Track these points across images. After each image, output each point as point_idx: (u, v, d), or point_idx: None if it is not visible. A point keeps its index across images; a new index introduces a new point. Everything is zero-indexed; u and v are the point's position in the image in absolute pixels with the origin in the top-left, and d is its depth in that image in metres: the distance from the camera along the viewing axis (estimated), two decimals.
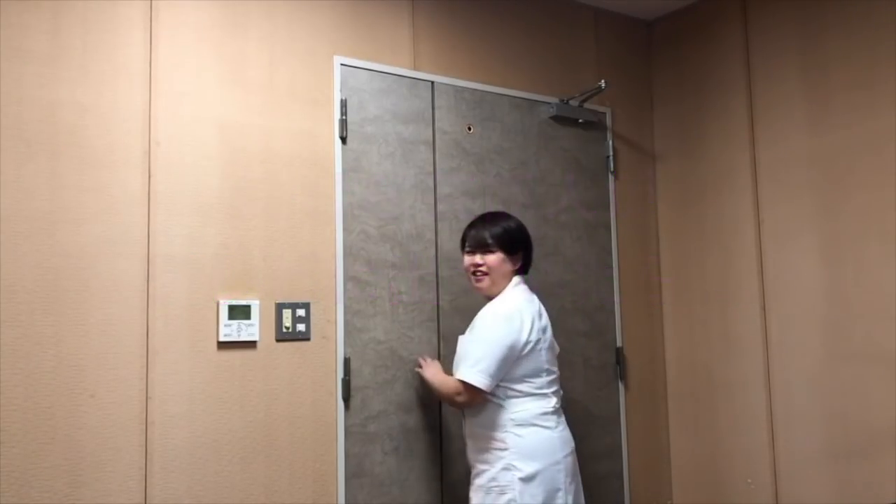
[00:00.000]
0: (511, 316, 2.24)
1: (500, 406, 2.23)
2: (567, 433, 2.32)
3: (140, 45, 2.19)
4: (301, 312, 2.36)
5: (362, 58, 2.57)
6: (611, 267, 3.10)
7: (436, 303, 2.63)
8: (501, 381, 2.22)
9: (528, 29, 2.99)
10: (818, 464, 2.66)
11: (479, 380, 2.18)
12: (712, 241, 3.06)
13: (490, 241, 2.34)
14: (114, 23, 2.16)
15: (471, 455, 2.31)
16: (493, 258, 2.34)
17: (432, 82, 2.72)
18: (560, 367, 2.89)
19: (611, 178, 3.14)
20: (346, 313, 2.45)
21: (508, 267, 2.35)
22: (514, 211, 2.83)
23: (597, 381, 3.01)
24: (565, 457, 2.26)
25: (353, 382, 2.44)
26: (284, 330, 2.33)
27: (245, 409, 2.25)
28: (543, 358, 2.28)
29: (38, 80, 2.03)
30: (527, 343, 2.22)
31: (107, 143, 2.11)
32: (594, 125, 3.12)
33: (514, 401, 2.23)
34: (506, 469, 2.19)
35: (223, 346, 2.23)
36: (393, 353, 2.52)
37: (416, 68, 2.69)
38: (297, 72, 2.44)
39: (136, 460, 2.08)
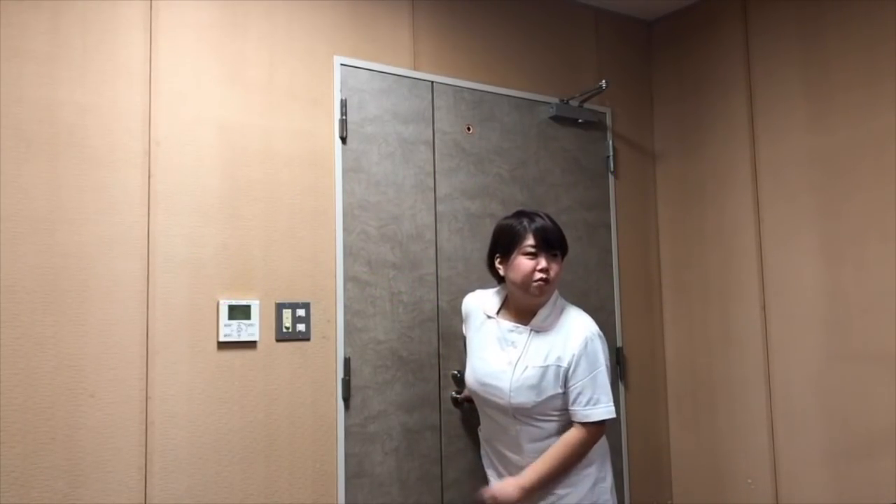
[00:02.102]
0: (600, 333, 2.13)
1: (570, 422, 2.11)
2: None
3: (140, 46, 2.19)
4: (301, 312, 2.36)
5: (362, 58, 2.57)
6: (611, 267, 3.10)
7: (436, 303, 2.63)
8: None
9: (528, 29, 2.99)
10: (818, 464, 2.66)
11: (614, 410, 2.09)
12: (712, 240, 3.06)
13: (557, 243, 2.13)
14: (114, 23, 2.16)
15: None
16: (559, 265, 2.14)
17: (432, 82, 2.72)
18: None
19: (611, 178, 3.14)
20: (346, 313, 2.45)
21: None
22: (514, 211, 2.84)
23: None
24: None
25: (353, 382, 2.43)
26: (284, 330, 2.33)
27: (245, 409, 2.25)
28: None
29: (37, 80, 2.03)
30: None
31: (107, 143, 2.11)
32: (594, 125, 3.12)
33: None
34: (595, 483, 2.09)
35: (223, 346, 2.23)
36: (393, 353, 2.52)
37: (416, 68, 2.69)
38: (296, 72, 2.44)
39: (136, 460, 2.08)
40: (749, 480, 2.88)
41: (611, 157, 3.14)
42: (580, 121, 3.06)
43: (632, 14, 3.29)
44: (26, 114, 2.01)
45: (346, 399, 2.41)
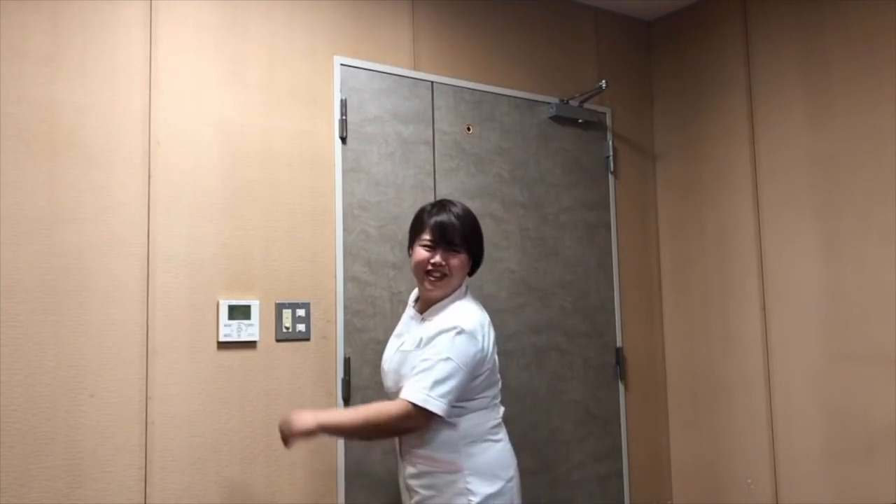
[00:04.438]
0: (475, 333, 1.92)
1: (450, 424, 1.92)
2: (510, 443, 2.06)
3: (140, 45, 2.19)
4: (301, 312, 2.36)
5: (362, 58, 2.57)
6: (611, 267, 3.10)
7: None
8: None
9: (528, 29, 2.99)
10: (818, 464, 2.66)
11: (441, 407, 1.83)
12: (712, 240, 3.06)
13: (458, 239, 2.01)
14: (113, 23, 2.16)
15: (408, 480, 2.01)
16: (458, 261, 2.01)
17: (432, 82, 2.72)
18: (560, 368, 2.92)
19: (611, 178, 3.14)
20: (346, 313, 2.45)
21: (466, 271, 2.05)
22: (513, 211, 2.84)
23: (597, 381, 3.01)
24: (516, 470, 2.01)
25: (353, 382, 2.43)
26: (284, 330, 2.33)
27: (245, 409, 2.25)
28: (495, 368, 2.01)
29: (37, 80, 2.03)
30: (487, 360, 1.95)
31: (107, 143, 2.11)
32: (594, 125, 3.12)
33: (465, 418, 1.93)
34: (459, 494, 1.90)
35: (223, 346, 2.23)
36: None
37: (416, 68, 2.69)
38: (296, 72, 2.44)
39: (136, 460, 2.08)
40: (749, 480, 2.88)
41: (611, 157, 3.14)
42: (580, 121, 3.06)
43: (632, 14, 3.29)
44: (26, 114, 2.01)
45: (346, 399, 2.41)
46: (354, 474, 2.41)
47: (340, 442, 2.39)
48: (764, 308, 2.86)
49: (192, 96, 2.25)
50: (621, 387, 3.07)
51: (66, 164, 2.05)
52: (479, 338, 1.93)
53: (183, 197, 2.21)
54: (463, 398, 1.92)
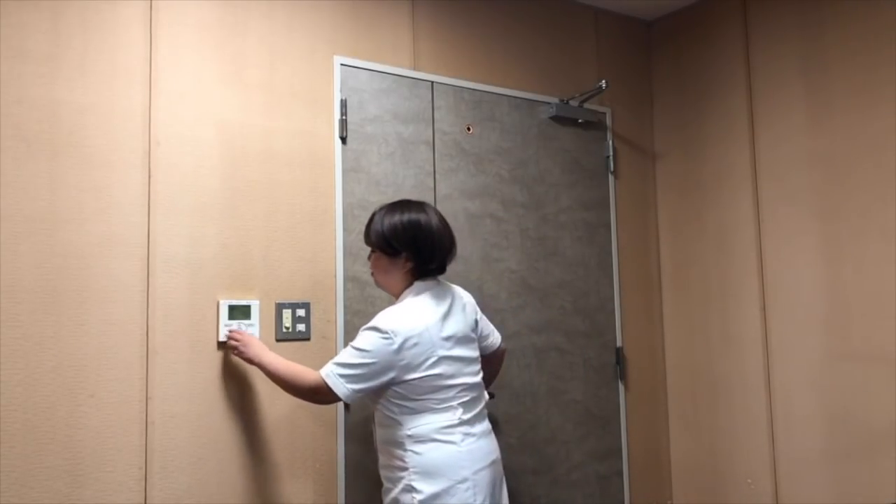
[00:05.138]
0: (389, 333, 1.96)
1: (396, 421, 2.00)
2: (480, 445, 2.04)
3: (140, 45, 2.19)
4: (301, 312, 2.36)
5: (362, 58, 2.57)
6: (611, 267, 3.10)
7: None
8: (392, 396, 1.99)
9: (528, 29, 2.99)
10: (818, 464, 2.66)
11: (339, 386, 1.95)
12: (712, 241, 3.06)
13: (370, 238, 2.12)
14: (113, 23, 2.16)
15: (379, 469, 2.12)
16: (372, 259, 2.15)
17: (432, 82, 2.72)
18: (560, 367, 2.92)
19: (611, 178, 3.15)
20: (346, 313, 2.45)
21: (397, 269, 2.09)
22: (513, 211, 2.84)
23: (597, 381, 3.01)
24: (476, 473, 1.99)
25: None
26: (284, 330, 2.33)
27: (245, 409, 2.25)
28: (444, 373, 2.00)
29: (37, 80, 2.03)
30: (407, 368, 1.96)
31: (107, 143, 2.11)
32: (594, 125, 3.12)
33: (409, 416, 1.99)
34: (405, 491, 1.97)
35: (223, 346, 2.23)
36: None
37: (416, 68, 2.69)
38: (296, 72, 2.44)
39: (136, 460, 2.08)
40: (749, 480, 2.88)
41: (611, 157, 3.14)
42: (580, 121, 3.06)
43: (631, 14, 3.29)
44: (26, 114, 2.01)
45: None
46: (354, 474, 2.41)
47: (340, 442, 2.39)
48: (764, 308, 2.86)
49: (192, 96, 2.25)
50: (621, 387, 3.07)
51: (66, 164, 2.05)
52: (396, 339, 1.96)
53: (183, 197, 2.21)
54: (397, 397, 2.00)
